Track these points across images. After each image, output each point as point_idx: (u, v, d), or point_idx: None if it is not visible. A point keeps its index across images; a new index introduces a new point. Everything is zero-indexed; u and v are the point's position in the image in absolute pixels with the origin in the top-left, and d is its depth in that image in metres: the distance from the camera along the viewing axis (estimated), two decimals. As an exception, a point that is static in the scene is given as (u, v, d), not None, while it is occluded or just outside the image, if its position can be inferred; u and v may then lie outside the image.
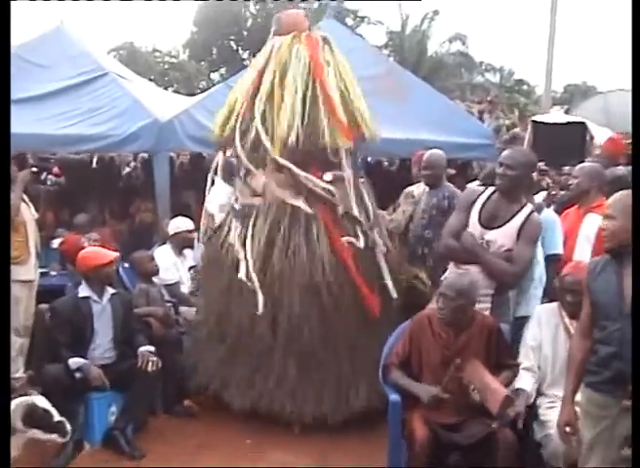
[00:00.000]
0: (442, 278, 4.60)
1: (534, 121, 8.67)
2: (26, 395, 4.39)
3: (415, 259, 5.86)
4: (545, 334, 4.28)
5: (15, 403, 3.53)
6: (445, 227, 4.74)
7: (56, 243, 7.38)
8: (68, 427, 3.72)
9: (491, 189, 4.62)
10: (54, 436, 3.74)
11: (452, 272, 4.52)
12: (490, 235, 4.47)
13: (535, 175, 5.70)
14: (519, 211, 4.46)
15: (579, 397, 3.37)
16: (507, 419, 3.96)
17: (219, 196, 6.21)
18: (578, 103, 16.93)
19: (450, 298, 4.13)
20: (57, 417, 3.68)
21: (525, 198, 4.63)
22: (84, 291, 5.24)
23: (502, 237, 4.43)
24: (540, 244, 4.69)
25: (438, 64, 26.42)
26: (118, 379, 5.00)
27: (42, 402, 3.76)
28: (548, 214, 5.08)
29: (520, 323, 4.51)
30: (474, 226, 4.53)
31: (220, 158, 6.19)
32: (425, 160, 5.91)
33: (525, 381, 4.17)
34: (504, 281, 4.42)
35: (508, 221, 4.45)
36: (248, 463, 4.80)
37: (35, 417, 3.60)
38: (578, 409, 3.36)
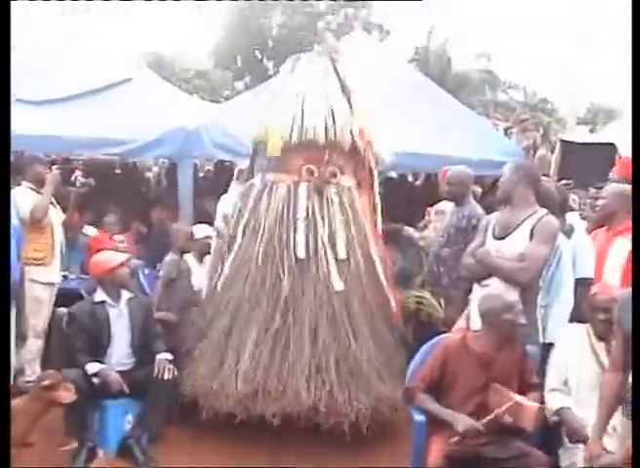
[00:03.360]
0: (471, 297, 4.59)
1: (562, 140, 8.59)
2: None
3: (430, 277, 5.86)
4: (572, 355, 4.19)
5: None
6: (467, 250, 4.80)
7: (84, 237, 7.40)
8: None
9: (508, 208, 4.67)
10: None
11: (492, 288, 4.43)
12: (503, 244, 4.47)
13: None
14: (530, 215, 4.45)
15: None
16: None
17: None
18: (603, 125, 16.84)
19: (498, 314, 4.08)
20: None
21: (557, 215, 4.60)
22: (99, 295, 5.20)
23: (515, 242, 4.41)
24: (570, 267, 4.65)
25: (462, 81, 26.32)
26: (135, 386, 4.93)
27: None
28: (581, 237, 5.01)
29: (549, 348, 4.41)
30: (489, 241, 4.58)
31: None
32: (448, 177, 5.88)
33: (560, 400, 4.07)
34: (518, 279, 4.34)
35: (519, 226, 4.44)
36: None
37: None
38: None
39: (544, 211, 4.48)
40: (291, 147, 5.48)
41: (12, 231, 4.53)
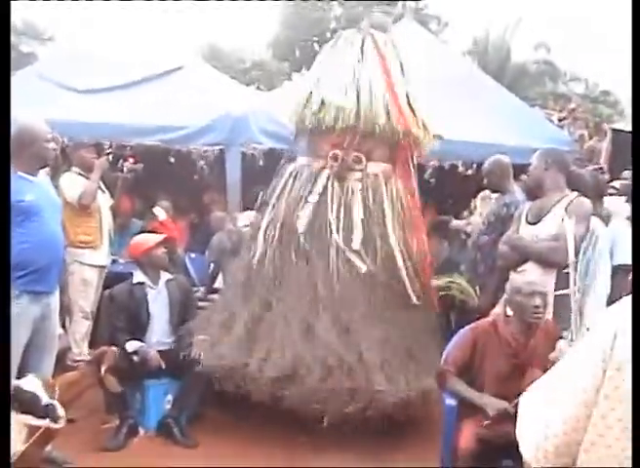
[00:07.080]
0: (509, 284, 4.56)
1: (614, 129, 8.44)
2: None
3: (468, 264, 5.84)
4: None
5: None
6: (502, 238, 4.81)
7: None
8: (60, 412, 3.50)
9: None
10: (46, 421, 3.49)
11: (527, 274, 4.42)
12: (537, 228, 4.50)
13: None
14: (562, 198, 4.49)
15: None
16: None
17: None
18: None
19: (529, 298, 4.02)
20: (45, 400, 3.50)
21: (592, 200, 4.60)
22: (138, 276, 5.31)
23: (549, 225, 4.44)
24: (606, 253, 4.59)
25: (521, 72, 25.89)
26: (175, 367, 5.03)
27: (29, 385, 3.55)
28: (619, 223, 4.93)
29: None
30: (523, 227, 4.62)
31: None
32: (483, 168, 5.94)
33: None
34: (552, 259, 4.33)
35: (552, 208, 4.46)
36: (301, 462, 4.66)
37: (23, 402, 3.42)
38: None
39: (576, 193, 4.49)
40: (315, 129, 5.45)
41: (58, 215, 4.60)
